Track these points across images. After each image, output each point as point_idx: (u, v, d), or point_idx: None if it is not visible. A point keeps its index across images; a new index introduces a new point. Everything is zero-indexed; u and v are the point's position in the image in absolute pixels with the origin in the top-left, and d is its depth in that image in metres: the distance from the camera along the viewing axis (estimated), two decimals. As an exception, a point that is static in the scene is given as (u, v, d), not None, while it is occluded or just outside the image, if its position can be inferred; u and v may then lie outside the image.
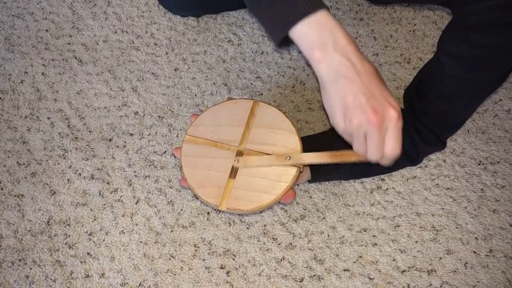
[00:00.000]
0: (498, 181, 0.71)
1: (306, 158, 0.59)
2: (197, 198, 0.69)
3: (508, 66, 0.57)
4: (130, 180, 0.70)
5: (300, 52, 0.83)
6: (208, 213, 0.68)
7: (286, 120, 0.62)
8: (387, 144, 0.49)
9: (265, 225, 0.67)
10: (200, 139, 0.62)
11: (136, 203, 0.68)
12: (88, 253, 0.64)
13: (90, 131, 0.74)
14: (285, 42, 0.52)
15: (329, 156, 0.58)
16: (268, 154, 0.61)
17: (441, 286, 0.63)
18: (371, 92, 0.47)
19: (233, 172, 0.60)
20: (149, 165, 0.71)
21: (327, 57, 0.47)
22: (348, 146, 0.70)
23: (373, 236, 0.66)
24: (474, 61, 0.54)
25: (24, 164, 0.71)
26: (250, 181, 0.59)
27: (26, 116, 0.75)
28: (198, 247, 0.65)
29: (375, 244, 0.66)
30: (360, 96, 0.46)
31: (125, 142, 0.73)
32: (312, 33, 0.47)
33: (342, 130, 0.49)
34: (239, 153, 0.61)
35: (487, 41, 0.50)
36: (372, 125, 0.46)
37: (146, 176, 0.70)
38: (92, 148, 0.73)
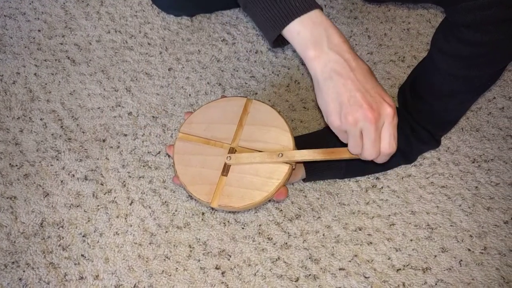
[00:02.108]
0: (492, 178, 0.71)
1: (298, 155, 0.59)
2: (190, 197, 0.68)
3: (501, 63, 0.57)
4: (124, 181, 0.70)
5: (294, 51, 0.82)
6: (203, 213, 0.67)
7: (279, 118, 0.62)
8: (383, 140, 0.49)
9: (260, 225, 0.67)
10: (193, 136, 0.62)
11: (130, 204, 0.68)
12: (82, 255, 0.64)
13: (83, 132, 0.74)
14: (279, 41, 0.52)
15: (322, 153, 0.58)
16: (260, 151, 0.61)
17: (436, 284, 0.63)
18: (366, 89, 0.47)
19: (226, 170, 0.60)
20: (143, 166, 0.71)
21: (321, 55, 0.47)
22: (342, 144, 0.69)
23: (368, 234, 0.66)
24: (467, 59, 0.54)
25: (16, 165, 0.70)
26: (242, 178, 0.59)
27: (19, 117, 0.75)
28: (193, 247, 0.65)
29: (370, 242, 0.66)
30: (356, 92, 0.46)
31: (119, 142, 0.73)
32: (306, 31, 0.47)
33: (337, 128, 0.49)
34: (232, 150, 0.61)
35: (480, 38, 0.50)
36: (369, 121, 0.46)
37: (140, 177, 0.70)
38: (85, 149, 0.72)
